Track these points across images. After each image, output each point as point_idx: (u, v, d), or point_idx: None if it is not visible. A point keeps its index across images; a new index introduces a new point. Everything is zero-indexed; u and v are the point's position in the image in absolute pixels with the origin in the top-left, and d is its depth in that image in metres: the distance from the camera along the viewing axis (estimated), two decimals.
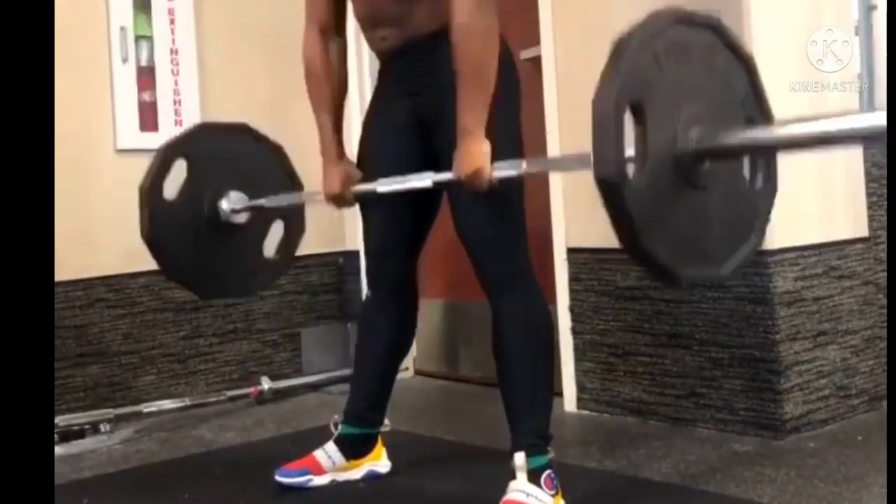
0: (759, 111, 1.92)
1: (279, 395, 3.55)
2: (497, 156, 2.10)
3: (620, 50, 1.65)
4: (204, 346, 3.57)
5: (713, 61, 1.82)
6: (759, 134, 1.83)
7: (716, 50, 1.82)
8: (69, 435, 3.05)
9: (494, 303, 2.25)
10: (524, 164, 2.10)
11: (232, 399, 3.49)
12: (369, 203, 2.43)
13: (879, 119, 1.54)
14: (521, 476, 2.14)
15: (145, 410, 3.29)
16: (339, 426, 2.49)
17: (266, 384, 3.52)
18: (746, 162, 1.95)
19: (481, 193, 2.12)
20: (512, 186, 2.20)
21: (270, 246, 2.84)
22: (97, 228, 3.36)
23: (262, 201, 2.69)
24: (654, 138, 1.70)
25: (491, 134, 2.11)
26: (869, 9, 3.27)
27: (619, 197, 1.64)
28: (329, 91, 2.40)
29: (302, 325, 3.80)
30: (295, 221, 2.86)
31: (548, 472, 2.16)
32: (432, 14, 2.18)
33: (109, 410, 3.18)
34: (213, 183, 2.69)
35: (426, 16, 2.20)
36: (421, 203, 2.36)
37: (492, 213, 2.19)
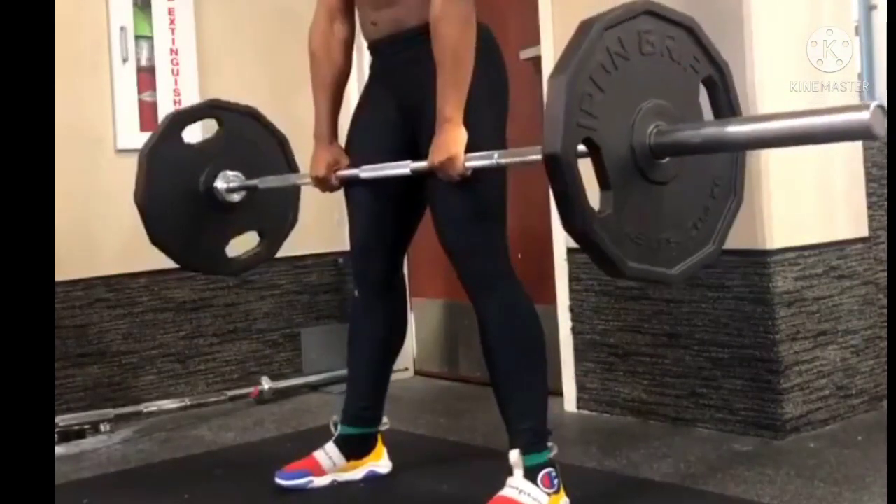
0: (714, 68, 1.90)
1: (279, 395, 3.55)
2: (476, 147, 2.13)
3: (556, 92, 1.66)
4: (204, 346, 3.57)
5: (653, 47, 1.81)
6: (722, 129, 1.80)
7: (652, 32, 1.81)
8: (69, 435, 3.05)
9: (477, 305, 2.25)
10: (496, 155, 2.10)
11: (232, 399, 3.49)
12: (353, 202, 2.45)
13: (856, 116, 1.53)
14: (518, 473, 2.15)
15: (145, 410, 3.29)
16: (338, 427, 2.49)
17: (266, 384, 3.51)
18: (713, 165, 1.92)
19: (458, 192, 2.14)
20: (492, 185, 2.22)
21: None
22: (97, 228, 3.36)
23: (255, 181, 2.74)
24: (609, 131, 1.69)
25: (471, 123, 2.14)
26: (869, 9, 3.27)
27: (563, 174, 1.65)
28: (329, 74, 2.42)
29: (302, 325, 3.80)
30: (288, 209, 2.89)
31: (546, 470, 2.15)
32: (422, 1, 2.19)
33: (109, 410, 3.18)
34: (213, 159, 2.75)
35: (416, 2, 2.21)
36: (403, 202, 2.39)
37: (469, 213, 2.20)
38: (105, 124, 3.40)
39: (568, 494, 2.19)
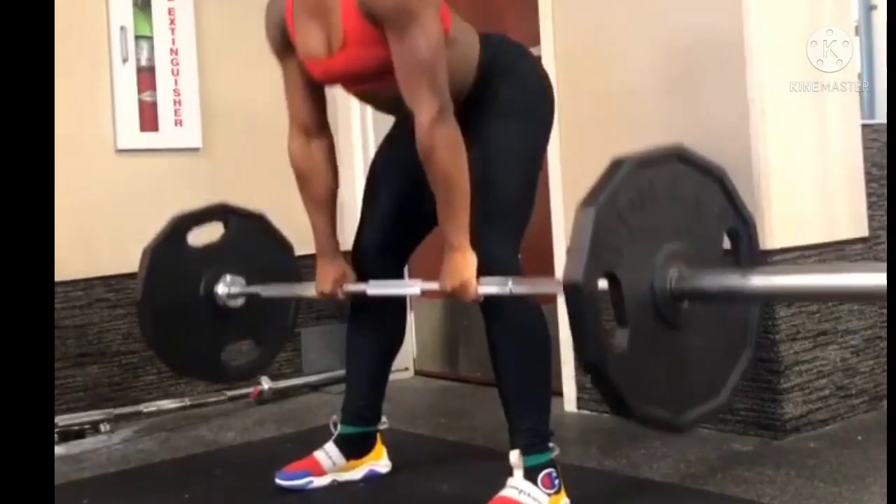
0: (739, 220, 1.91)
1: (279, 395, 3.55)
2: (510, 172, 2.17)
3: (584, 222, 1.65)
4: None
5: (682, 191, 1.81)
6: (743, 280, 1.75)
7: (682, 178, 1.81)
8: (69, 435, 3.05)
9: (483, 304, 2.24)
10: (510, 283, 2.08)
11: (232, 399, 3.49)
12: (372, 198, 2.45)
13: (877, 279, 1.49)
14: (518, 473, 2.15)
15: (145, 410, 3.29)
16: (338, 426, 2.49)
17: (266, 384, 3.51)
18: (732, 315, 1.91)
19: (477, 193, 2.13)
20: (516, 184, 2.22)
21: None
22: (97, 228, 3.36)
23: (257, 289, 2.70)
24: (632, 267, 1.70)
25: (513, 150, 2.17)
26: (869, 9, 3.28)
27: (582, 304, 1.71)
28: (320, 190, 2.39)
29: (302, 325, 3.79)
30: (288, 318, 2.89)
31: (547, 470, 2.15)
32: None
33: (109, 410, 3.18)
34: (216, 263, 2.73)
35: None
36: (426, 203, 2.33)
37: (485, 214, 2.16)
38: (105, 124, 3.40)
39: (568, 494, 2.19)
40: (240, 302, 2.74)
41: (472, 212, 2.12)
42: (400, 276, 2.50)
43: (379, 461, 2.52)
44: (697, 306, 1.77)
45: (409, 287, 2.29)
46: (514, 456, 2.15)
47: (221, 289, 2.71)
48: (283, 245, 2.86)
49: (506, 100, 2.24)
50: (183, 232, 2.73)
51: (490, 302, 2.19)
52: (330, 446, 2.48)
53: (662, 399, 1.76)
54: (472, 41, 2.26)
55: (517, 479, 2.14)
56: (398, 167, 2.39)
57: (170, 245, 2.70)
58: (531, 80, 2.33)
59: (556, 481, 2.16)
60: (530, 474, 2.14)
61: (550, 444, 2.19)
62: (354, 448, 2.49)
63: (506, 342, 2.23)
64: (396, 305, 2.53)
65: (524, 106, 2.27)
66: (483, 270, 2.12)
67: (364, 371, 2.50)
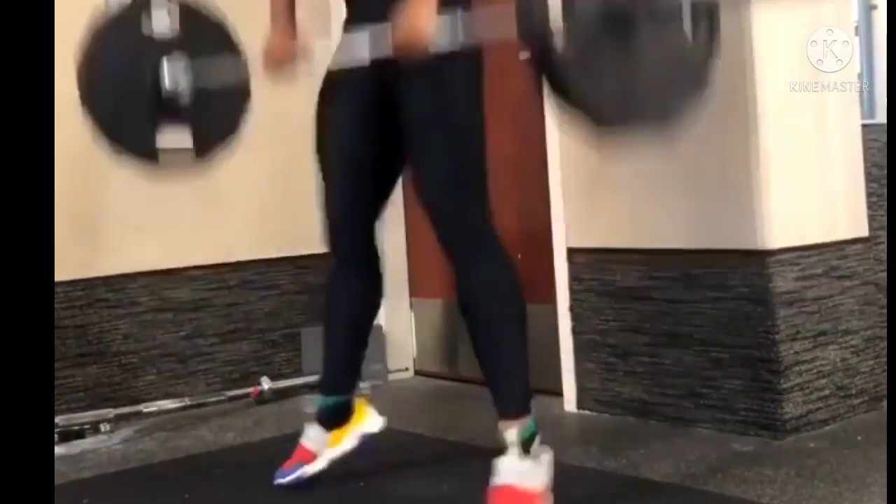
0: None
1: (279, 395, 3.55)
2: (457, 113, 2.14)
3: None
4: (204, 346, 3.57)
5: None
6: None
7: None
8: (69, 435, 3.05)
9: (461, 265, 2.20)
10: (459, 25, 1.99)
11: (232, 399, 3.48)
12: (328, 166, 2.41)
13: None
14: (513, 451, 2.10)
15: (145, 410, 3.29)
16: (316, 403, 2.48)
17: (266, 384, 3.51)
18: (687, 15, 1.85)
19: (441, 144, 2.12)
20: (475, 138, 2.20)
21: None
22: (97, 228, 3.36)
23: (203, 79, 2.63)
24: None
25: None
26: (869, 9, 3.27)
27: (550, 50, 1.61)
28: None
29: (302, 325, 3.79)
30: (233, 120, 2.78)
31: (538, 438, 2.14)
32: None
33: (109, 410, 3.18)
34: (169, 52, 2.65)
35: None
36: (381, 167, 2.36)
37: (455, 168, 2.17)
38: None
39: (568, 494, 2.18)
40: (185, 88, 2.65)
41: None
42: (371, 242, 2.45)
43: (365, 421, 2.49)
44: (650, 28, 1.74)
45: (359, 46, 2.17)
46: (512, 434, 2.10)
47: (169, 73, 2.63)
48: (236, 51, 2.74)
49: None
50: (138, 14, 2.68)
51: (462, 256, 2.17)
52: (310, 430, 2.47)
53: (609, 95, 1.72)
54: None
55: (514, 459, 2.09)
56: (343, 130, 2.35)
57: (124, 25, 2.66)
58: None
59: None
60: (526, 446, 2.10)
61: (532, 409, 2.17)
62: (332, 418, 2.46)
63: (489, 305, 2.19)
64: (374, 268, 2.48)
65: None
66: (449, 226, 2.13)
67: (339, 342, 2.48)
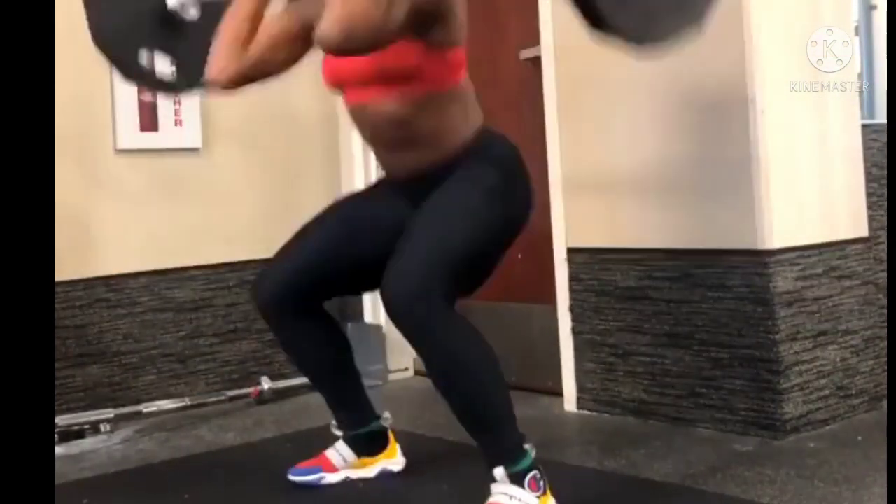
0: None
1: (279, 395, 3.55)
2: (465, 229, 2.09)
3: None
4: (204, 346, 3.57)
5: None
6: None
7: None
8: (69, 435, 3.05)
9: (413, 338, 2.07)
10: None
11: (232, 399, 3.48)
12: (309, 236, 2.36)
13: None
14: (504, 479, 2.08)
15: (145, 410, 3.29)
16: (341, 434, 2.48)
17: (266, 384, 3.51)
18: None
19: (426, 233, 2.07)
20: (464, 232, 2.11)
21: None
22: (97, 228, 3.36)
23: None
24: None
25: (478, 214, 2.10)
26: (869, 9, 3.28)
27: None
28: None
29: None
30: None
31: (532, 473, 2.08)
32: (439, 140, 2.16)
33: (109, 410, 3.18)
34: None
35: (434, 142, 2.17)
36: (359, 270, 2.30)
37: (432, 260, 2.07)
38: (105, 124, 3.40)
39: (567, 494, 2.18)
40: (190, 13, 2.59)
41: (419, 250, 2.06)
42: (306, 320, 2.40)
43: (393, 459, 2.51)
44: None
45: None
46: (500, 473, 2.08)
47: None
48: None
49: (483, 174, 2.16)
50: None
51: (415, 334, 2.06)
52: (340, 444, 2.47)
53: (634, 14, 1.88)
54: (475, 111, 2.22)
55: (505, 483, 2.07)
56: (352, 224, 2.33)
57: None
58: (509, 164, 2.22)
59: (542, 483, 2.09)
60: (516, 479, 2.08)
61: (526, 447, 2.11)
62: (364, 447, 2.47)
63: (441, 377, 2.12)
64: (331, 324, 2.46)
65: (499, 186, 2.16)
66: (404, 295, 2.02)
67: (329, 387, 2.45)
